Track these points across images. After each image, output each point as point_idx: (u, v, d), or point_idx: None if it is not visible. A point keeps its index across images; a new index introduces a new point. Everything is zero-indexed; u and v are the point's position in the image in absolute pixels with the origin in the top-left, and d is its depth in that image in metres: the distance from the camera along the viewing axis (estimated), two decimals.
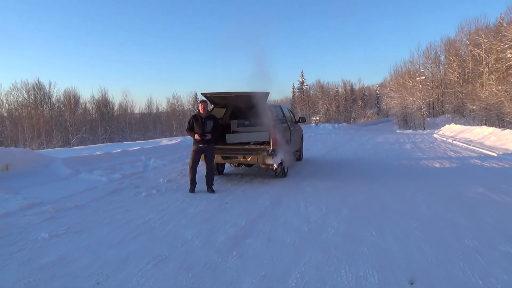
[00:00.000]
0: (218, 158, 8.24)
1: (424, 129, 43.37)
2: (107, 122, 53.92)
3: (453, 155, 13.00)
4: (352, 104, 76.13)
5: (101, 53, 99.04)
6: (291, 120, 10.86)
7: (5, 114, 45.82)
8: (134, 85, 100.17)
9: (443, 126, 33.53)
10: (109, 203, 6.39)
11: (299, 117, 11.78)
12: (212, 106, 9.03)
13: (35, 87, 48.89)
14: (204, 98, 8.02)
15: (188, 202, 6.41)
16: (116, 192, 7.34)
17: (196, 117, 7.33)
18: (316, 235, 4.60)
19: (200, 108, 7.28)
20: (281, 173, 8.63)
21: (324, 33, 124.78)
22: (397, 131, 43.24)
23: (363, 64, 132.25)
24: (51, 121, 44.04)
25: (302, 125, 11.49)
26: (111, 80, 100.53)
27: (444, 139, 21.16)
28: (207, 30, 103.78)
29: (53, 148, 34.00)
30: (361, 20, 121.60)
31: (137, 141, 21.87)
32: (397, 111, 55.42)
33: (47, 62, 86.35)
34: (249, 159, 8.06)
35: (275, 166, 8.05)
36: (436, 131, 30.29)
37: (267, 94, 7.86)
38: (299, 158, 11.76)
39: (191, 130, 7.36)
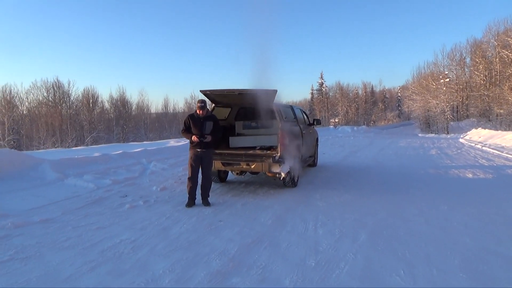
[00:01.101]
0: (218, 165, 7.22)
1: (448, 133, 41.49)
2: (125, 121, 53.70)
3: (485, 164, 11.65)
4: (372, 107, 74.11)
5: (119, 53, 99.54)
6: (304, 123, 9.76)
7: (25, 112, 46.12)
8: (151, 85, 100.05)
9: (469, 131, 31.80)
10: (83, 217, 5.42)
11: (314, 119, 10.61)
12: (213, 105, 7.99)
13: (54, 86, 49.08)
14: (203, 98, 6.95)
15: (175, 218, 5.39)
16: (97, 202, 6.39)
17: (193, 117, 6.32)
18: (324, 274, 3.51)
19: (198, 107, 6.27)
20: (290, 182, 7.55)
21: (346, 34, 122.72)
22: (419, 134, 41.48)
23: (385, 66, 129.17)
24: (67, 120, 43.89)
25: (318, 128, 10.46)
26: (128, 80, 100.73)
27: (472, 144, 19.63)
28: (225, 31, 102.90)
29: (68, 147, 33.74)
30: (383, 21, 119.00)
31: (145, 142, 21.12)
32: (419, 114, 53.51)
33: (67, 62, 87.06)
34: (253, 167, 7.01)
35: (282, 175, 6.96)
36: (462, 136, 28.58)
37: (274, 92, 6.79)
38: (313, 163, 10.64)
39: (187, 131, 6.35)
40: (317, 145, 11.16)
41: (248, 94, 7.02)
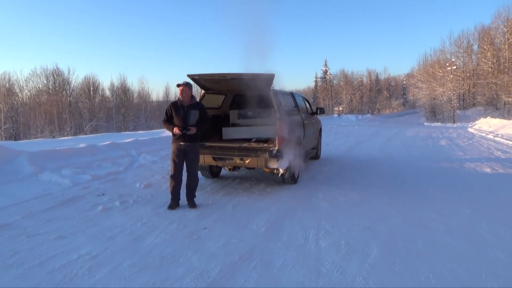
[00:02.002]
0: (208, 160, 6.39)
1: (454, 122, 40.45)
2: (126, 109, 52.83)
3: (502, 156, 10.76)
4: (377, 95, 72.78)
5: (120, 40, 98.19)
6: (306, 111, 8.88)
7: (25, 100, 45.31)
8: (152, 73, 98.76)
9: (476, 120, 30.81)
10: (44, 223, 4.63)
11: (317, 108, 9.68)
12: (203, 92, 7.11)
13: (54, 74, 48.17)
14: (188, 81, 5.98)
15: (152, 225, 4.58)
16: (68, 202, 5.59)
17: (176, 106, 5.46)
18: None
19: (180, 93, 5.41)
20: (290, 179, 6.73)
21: (351, 21, 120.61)
22: (425, 123, 40.45)
23: (390, 53, 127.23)
24: (66, 108, 43.05)
25: (322, 117, 9.55)
26: (128, 68, 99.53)
27: (483, 134, 18.69)
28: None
29: (66, 136, 33.02)
30: (389, 7, 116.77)
31: (140, 131, 20.33)
32: (425, 103, 52.21)
33: (66, 50, 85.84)
34: (247, 162, 6.17)
35: (281, 171, 6.12)
36: (470, 125, 27.58)
37: (271, 76, 5.92)
38: (316, 156, 9.80)
39: (169, 122, 5.50)
40: (320, 136, 10.30)
41: (241, 79, 6.15)
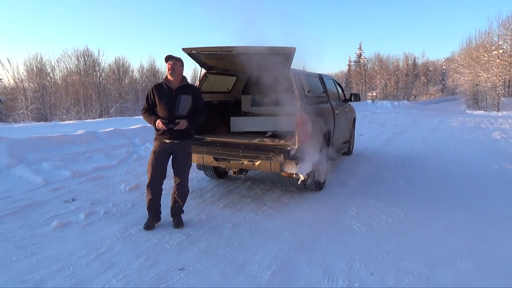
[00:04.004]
0: (208, 159, 4.97)
1: (498, 110, 37.28)
2: None
3: None
4: (414, 80, 69.00)
5: (151, 23, 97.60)
6: (338, 98, 7.27)
7: (57, 81, 45.39)
8: (180, 55, 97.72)
9: None
10: None
11: (351, 94, 7.95)
12: (203, 71, 5.59)
13: (85, 54, 48.02)
14: (176, 57, 4.28)
15: (109, 259, 3.20)
16: (21, 212, 4.30)
17: (160, 89, 3.97)
18: None
19: (169, 69, 3.92)
20: (313, 184, 5.22)
21: (388, 1, 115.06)
22: (467, 111, 37.55)
23: (429, 36, 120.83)
24: (94, 89, 42.66)
25: (354, 103, 7.91)
26: (158, 50, 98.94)
27: None
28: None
29: (93, 118, 32.53)
30: None
31: None
32: (467, 89, 48.64)
33: (98, 32, 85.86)
34: (257, 164, 4.70)
35: (301, 177, 4.61)
36: None
37: (290, 50, 4.36)
38: (348, 151, 8.20)
39: (149, 112, 4.03)
40: (354, 127, 8.66)
41: (251, 54, 4.61)
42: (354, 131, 8.71)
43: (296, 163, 4.55)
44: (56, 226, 3.87)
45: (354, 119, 8.66)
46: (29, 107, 33.53)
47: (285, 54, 4.47)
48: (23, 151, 6.99)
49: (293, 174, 4.67)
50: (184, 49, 4.88)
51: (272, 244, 3.56)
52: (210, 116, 5.73)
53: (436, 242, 3.67)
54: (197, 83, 5.44)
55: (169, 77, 3.92)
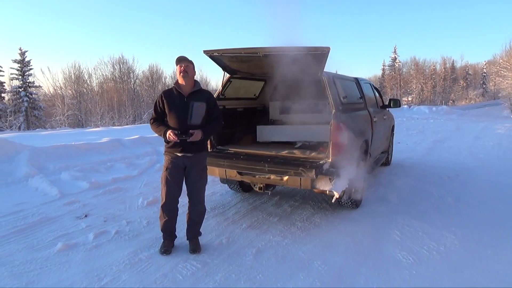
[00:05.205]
0: (231, 173, 4.49)
1: None
2: None
3: None
4: (452, 84, 66.27)
5: (184, 32, 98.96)
6: (376, 104, 6.63)
7: (94, 88, 46.71)
8: (209, 61, 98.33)
9: None
10: None
11: (390, 99, 7.17)
12: (227, 76, 5.10)
13: (120, 62, 49.29)
14: (185, 59, 3.53)
15: None
16: (29, 230, 3.97)
17: (170, 96, 3.51)
18: None
19: (178, 73, 3.45)
20: (348, 202, 4.63)
21: (425, 3, 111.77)
22: (511, 116, 35.42)
23: (468, 38, 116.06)
24: (128, 96, 43.47)
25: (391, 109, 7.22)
26: (188, 54, 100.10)
27: None
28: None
29: (126, 124, 33.00)
30: None
31: None
32: (510, 93, 46.20)
33: (132, 39, 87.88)
34: (285, 180, 4.18)
35: (335, 195, 4.04)
36: None
37: (324, 51, 3.82)
38: (386, 162, 7.53)
39: (158, 122, 3.58)
40: (392, 135, 7.96)
41: (279, 56, 4.11)
42: (392, 139, 8.01)
43: (330, 179, 3.99)
44: (61, 248, 3.48)
45: (393, 126, 7.97)
46: (65, 113, 34.33)
47: (318, 55, 3.94)
48: (45, 160, 6.79)
49: (326, 191, 4.10)
50: (206, 52, 4.44)
51: (302, 278, 3.01)
52: (235, 125, 5.31)
53: (502, 280, 3.01)
54: (219, 89, 4.98)
55: (180, 81, 3.46)
